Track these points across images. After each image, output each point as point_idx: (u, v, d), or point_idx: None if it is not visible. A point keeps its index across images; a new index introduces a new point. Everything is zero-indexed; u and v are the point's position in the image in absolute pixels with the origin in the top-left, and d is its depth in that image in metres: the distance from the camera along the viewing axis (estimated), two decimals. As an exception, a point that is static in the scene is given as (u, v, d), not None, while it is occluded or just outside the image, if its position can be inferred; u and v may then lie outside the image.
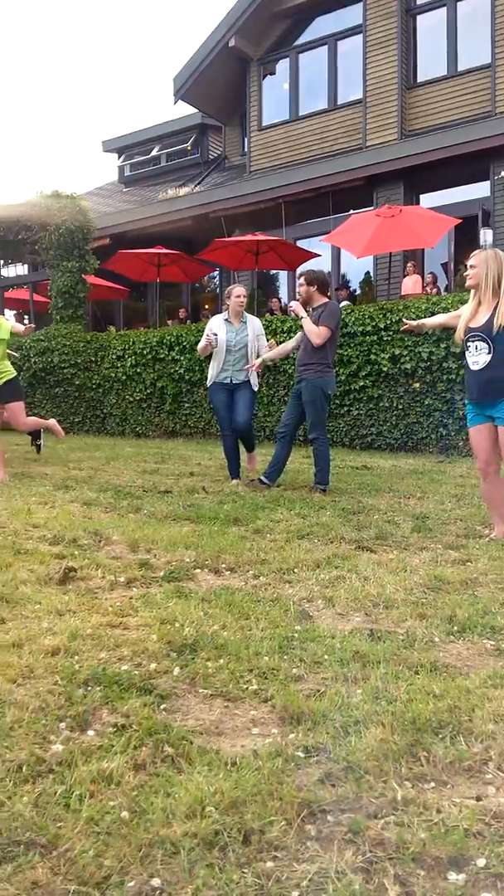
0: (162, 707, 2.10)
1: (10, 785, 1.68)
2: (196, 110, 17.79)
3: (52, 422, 7.70)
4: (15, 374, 6.82)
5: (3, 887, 1.37)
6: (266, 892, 1.39)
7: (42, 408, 12.91)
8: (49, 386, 12.92)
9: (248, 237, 12.74)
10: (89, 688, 2.18)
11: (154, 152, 19.94)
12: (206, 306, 17.35)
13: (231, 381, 6.54)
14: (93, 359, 12.68)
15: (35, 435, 8.75)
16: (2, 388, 6.64)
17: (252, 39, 15.38)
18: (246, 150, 16.68)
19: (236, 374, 6.53)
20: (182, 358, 11.46)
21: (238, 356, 6.52)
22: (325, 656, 2.47)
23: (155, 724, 1.97)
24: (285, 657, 2.47)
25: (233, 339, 6.51)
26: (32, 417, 7.50)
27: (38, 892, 1.37)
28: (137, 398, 12.16)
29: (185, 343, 11.39)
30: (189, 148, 19.04)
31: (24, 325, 6.92)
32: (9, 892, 1.36)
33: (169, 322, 15.64)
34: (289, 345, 6.75)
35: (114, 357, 12.37)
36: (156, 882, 1.40)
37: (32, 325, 7.14)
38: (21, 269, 16.76)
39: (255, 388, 6.65)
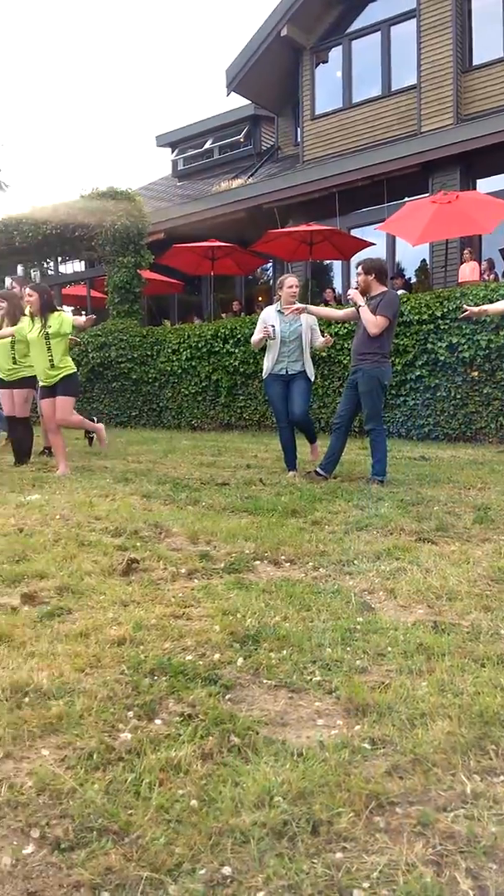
0: (227, 697, 2.12)
1: (81, 772, 1.72)
2: (249, 102, 17.75)
3: (100, 427, 7.69)
4: (75, 370, 6.88)
5: (78, 872, 1.40)
6: (336, 882, 1.39)
7: (100, 402, 13.10)
8: (107, 381, 13.08)
9: (302, 227, 12.68)
10: (155, 677, 2.22)
11: (207, 145, 19.98)
12: (260, 298, 17.33)
13: (286, 372, 6.50)
14: (149, 353, 12.79)
15: (49, 450, 8.38)
16: (59, 383, 6.72)
17: (304, 28, 15.27)
18: (299, 139, 16.58)
19: (291, 365, 6.49)
20: (236, 350, 11.48)
21: (293, 347, 6.47)
22: (389, 648, 2.46)
23: (221, 713, 1.98)
24: (348, 649, 2.46)
25: (286, 329, 6.46)
26: (79, 416, 7.42)
27: (112, 877, 1.39)
28: (192, 391, 12.23)
29: (239, 335, 11.40)
30: (242, 140, 19.02)
31: (85, 317, 6.97)
32: (84, 876, 1.39)
33: (223, 315, 15.67)
34: (338, 313, 6.70)
35: (169, 351, 12.46)
36: (227, 870, 1.41)
37: (93, 317, 7.19)
38: (78, 266, 17.03)
39: (311, 378, 6.59)
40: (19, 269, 14.20)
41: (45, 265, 15.18)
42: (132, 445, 9.47)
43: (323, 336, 6.64)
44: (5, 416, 7.73)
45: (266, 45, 15.47)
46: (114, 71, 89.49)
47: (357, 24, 15.29)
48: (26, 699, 2.06)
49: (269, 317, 6.56)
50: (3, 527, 4.31)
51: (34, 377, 7.49)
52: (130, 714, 2.00)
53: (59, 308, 6.96)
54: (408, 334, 9.47)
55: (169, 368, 12.47)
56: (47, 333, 6.60)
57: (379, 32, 14.89)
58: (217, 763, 1.78)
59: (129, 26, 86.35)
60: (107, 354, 12.95)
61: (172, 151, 21.05)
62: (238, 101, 18.28)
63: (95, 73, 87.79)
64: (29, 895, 1.35)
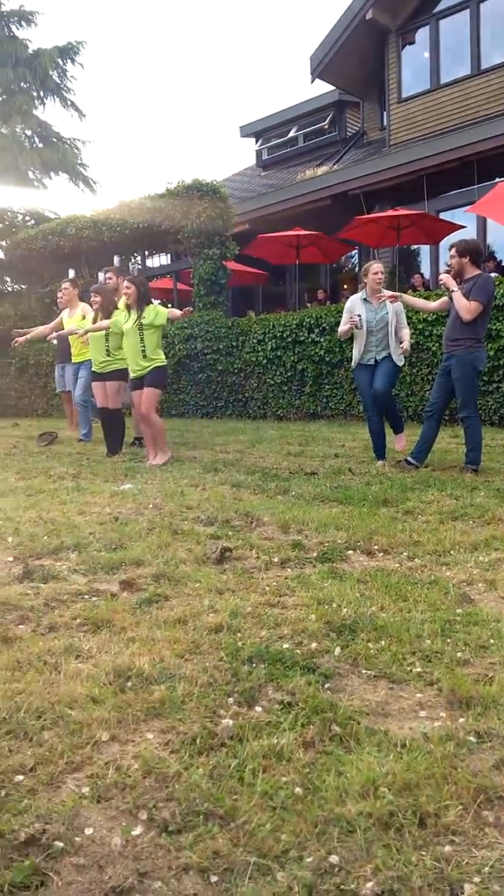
0: (326, 686, 2.10)
1: (185, 756, 1.74)
2: (333, 88, 17.55)
3: (167, 455, 7.01)
4: (165, 362, 6.96)
5: (186, 855, 1.42)
6: (446, 876, 1.36)
7: (186, 393, 13.24)
8: (193, 372, 13.21)
9: (389, 213, 12.46)
10: (254, 665, 2.22)
11: (291, 134, 19.87)
12: (345, 286, 17.15)
13: (375, 360, 6.40)
14: (234, 344, 12.85)
15: (140, 440, 8.32)
16: (148, 374, 6.82)
17: (390, 10, 14.95)
18: (385, 123, 16.29)
19: (379, 354, 6.38)
20: (322, 340, 11.40)
21: (380, 336, 6.33)
22: (492, 640, 2.39)
23: (321, 702, 1.97)
24: (448, 640, 2.41)
25: (373, 318, 6.33)
26: (158, 420, 7.13)
27: (219, 861, 1.40)
28: (278, 381, 12.22)
29: (324, 325, 11.32)
30: (326, 126, 18.83)
31: (182, 310, 7.02)
32: (192, 859, 1.40)
33: (308, 304, 15.59)
34: (431, 305, 6.54)
35: (254, 341, 12.48)
36: (334, 859, 1.40)
37: (190, 309, 7.23)
38: (163, 260, 17.24)
39: (399, 364, 6.42)
40: (116, 259, 14.47)
41: (133, 259, 15.42)
42: (219, 436, 9.54)
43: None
44: (98, 407, 7.91)
45: (351, 30, 15.23)
46: (198, 64, 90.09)
47: (444, 3, 14.86)
48: (129, 683, 2.10)
49: (354, 306, 6.44)
50: (99, 515, 4.42)
51: (126, 369, 7.63)
52: (231, 700, 2.01)
53: (154, 300, 7.04)
54: (501, 319, 9.19)
55: (254, 359, 12.49)
56: (141, 324, 6.72)
57: (468, 10, 14.44)
58: (319, 752, 1.77)
59: (213, 19, 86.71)
60: (193, 346, 13.08)
61: (256, 141, 21.02)
62: (322, 88, 18.09)
63: (180, 66, 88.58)
64: (139, 875, 1.37)
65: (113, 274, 8.43)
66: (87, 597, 2.92)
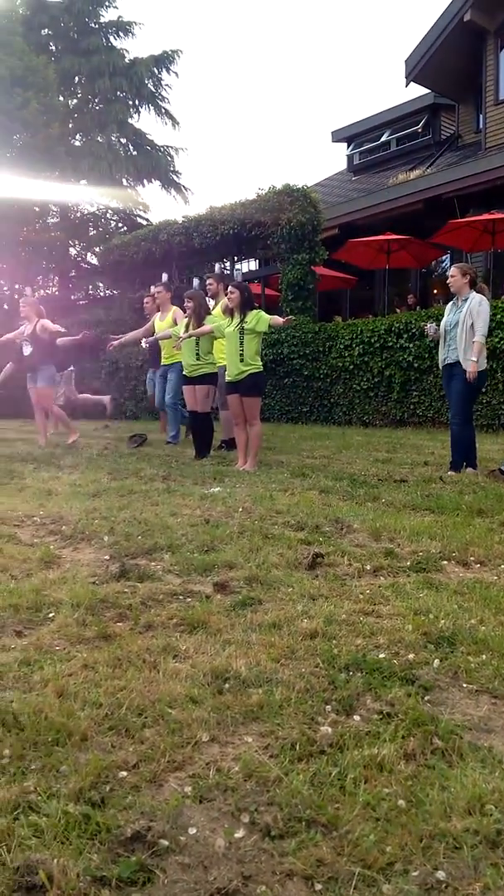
0: (426, 699, 2.06)
1: (285, 761, 1.73)
2: (428, 91, 17.33)
3: (251, 461, 6.92)
4: (261, 369, 6.96)
5: (290, 861, 1.41)
6: None
7: (271, 398, 13.28)
8: (279, 377, 13.24)
9: (484, 216, 12.21)
10: (350, 673, 2.20)
11: (384, 138, 19.71)
12: (435, 291, 16.89)
13: (448, 360, 6.44)
14: (321, 349, 12.82)
15: (229, 443, 8.36)
16: (244, 379, 6.86)
17: (488, 11, 14.65)
18: (481, 126, 15.97)
19: (451, 354, 6.39)
20: (411, 345, 11.25)
21: (452, 335, 6.38)
22: None
23: (421, 715, 1.94)
24: (553, 657, 2.33)
25: (451, 319, 6.43)
26: (260, 428, 7.09)
27: (323, 870, 1.39)
28: (364, 387, 12.13)
29: (413, 330, 11.17)
30: (420, 130, 18.59)
31: (284, 317, 7.02)
32: (296, 866, 1.39)
33: (397, 309, 15.43)
34: None
35: (341, 346, 12.42)
36: (440, 875, 1.37)
37: (293, 318, 7.25)
38: (251, 266, 17.38)
39: (472, 369, 6.20)
40: (217, 266, 14.69)
41: (222, 265, 15.58)
42: (305, 441, 9.53)
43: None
44: (188, 411, 8.01)
45: (447, 32, 15.01)
46: (290, 70, 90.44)
47: (545, 2, 14.49)
48: (227, 685, 2.11)
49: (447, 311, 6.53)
50: (190, 517, 4.47)
51: (215, 374, 7.71)
52: (329, 708, 1.99)
53: (257, 306, 7.10)
54: None
55: (341, 364, 12.44)
56: (243, 329, 6.78)
57: None
58: (421, 765, 1.73)
59: (306, 25, 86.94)
60: (279, 351, 13.11)
61: (348, 146, 20.95)
62: (416, 91, 17.89)
63: (273, 73, 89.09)
64: (244, 878, 1.37)
65: (214, 280, 8.53)
66: (181, 597, 2.96)
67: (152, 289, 9.92)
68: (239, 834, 1.49)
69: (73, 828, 1.47)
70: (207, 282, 8.71)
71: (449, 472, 6.26)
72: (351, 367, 12.26)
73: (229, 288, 7.01)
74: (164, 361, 9.54)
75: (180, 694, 2.04)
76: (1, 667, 2.21)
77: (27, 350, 8.72)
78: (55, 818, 1.49)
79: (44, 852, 1.39)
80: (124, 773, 1.67)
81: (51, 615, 2.72)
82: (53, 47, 24.92)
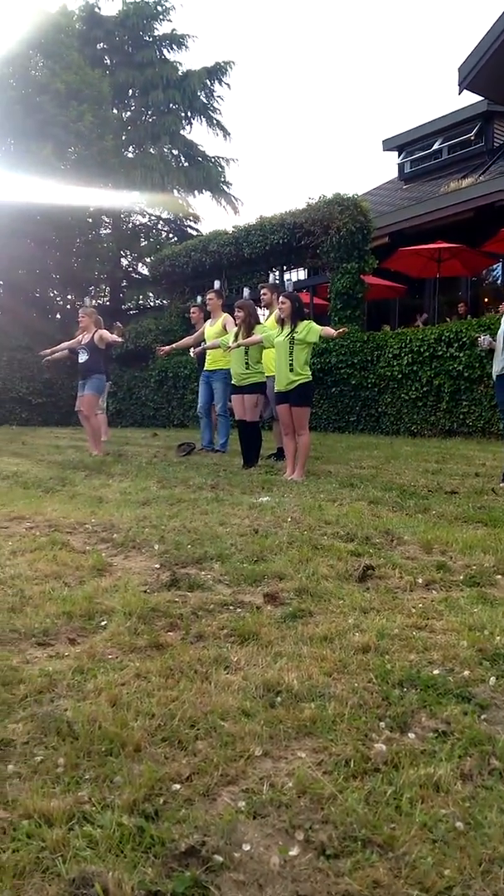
0: (482, 717, 2.02)
1: (339, 779, 1.71)
2: (481, 98, 17.14)
3: (299, 471, 6.89)
4: (311, 379, 6.93)
5: (346, 881, 1.39)
6: None
7: (318, 407, 13.23)
8: (326, 386, 13.20)
9: (537, 225, 12.03)
10: (405, 689, 2.17)
11: (435, 146, 19.56)
12: (486, 300, 16.67)
13: (502, 371, 6.40)
14: (369, 358, 12.75)
15: (276, 455, 8.45)
16: (294, 389, 6.83)
17: (543, 16, 14.45)
18: (534, 134, 15.75)
19: (499, 364, 6.38)
20: (461, 354, 11.12)
21: (502, 346, 6.37)
22: None
23: (478, 734, 1.89)
24: None
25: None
26: (309, 439, 7.04)
27: (380, 891, 1.37)
28: (413, 397, 12.01)
29: (464, 339, 11.03)
30: (472, 138, 18.40)
31: (337, 329, 6.99)
32: (352, 887, 1.37)
33: (447, 318, 15.26)
34: None
35: (390, 356, 12.33)
36: (501, 902, 1.33)
37: (345, 329, 7.21)
38: (300, 275, 17.36)
39: None
40: (272, 276, 14.74)
41: (274, 274, 15.61)
42: (352, 451, 9.47)
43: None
44: (236, 420, 8.03)
45: (502, 40, 14.82)
46: (340, 80, 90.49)
47: None
48: (279, 699, 2.09)
49: None
50: (239, 527, 4.47)
51: (264, 383, 7.71)
52: (382, 725, 1.96)
53: (309, 317, 7.09)
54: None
55: (389, 373, 12.34)
56: (293, 339, 6.76)
57: None
58: (479, 786, 1.70)
59: (356, 34, 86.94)
60: (327, 360, 13.07)
61: (399, 154, 20.84)
62: (468, 99, 17.71)
63: (323, 83, 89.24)
64: (299, 897, 1.35)
65: (268, 290, 8.55)
66: (232, 608, 2.95)
67: (198, 299, 9.97)
68: (294, 852, 1.47)
69: (128, 840, 1.47)
70: (261, 292, 8.73)
71: (501, 484, 6.15)
72: (399, 376, 12.16)
73: (280, 298, 7.02)
74: (206, 367, 9.57)
75: (232, 706, 2.03)
76: (55, 674, 2.23)
77: (83, 357, 8.86)
78: (109, 830, 1.49)
79: (99, 864, 1.39)
80: (178, 786, 1.67)
81: (103, 623, 2.74)
82: (108, 61, 25.37)
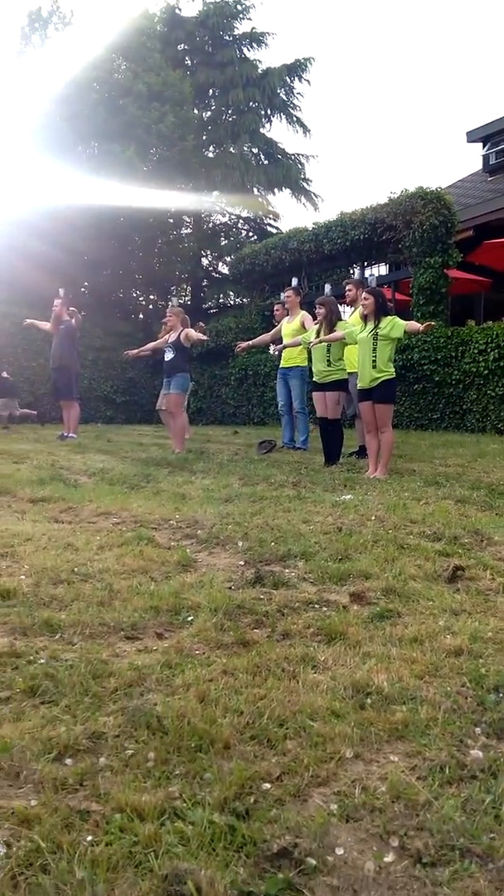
0: None
1: (434, 785, 1.66)
2: None
3: (382, 469, 6.79)
4: (394, 376, 6.80)
5: (444, 892, 1.34)
6: None
7: (400, 404, 13.01)
8: (408, 383, 12.97)
9: None
10: (500, 694, 2.09)
11: (522, 136, 18.99)
12: None
13: None
14: (453, 354, 12.46)
15: (358, 452, 8.40)
16: (377, 386, 6.73)
17: None
18: None
19: None
20: (551, 350, 10.75)
21: None
22: None
23: None
24: None
25: None
26: (392, 436, 6.90)
27: (481, 904, 1.31)
28: (500, 393, 11.67)
29: None
30: None
31: (423, 323, 6.86)
32: (452, 898, 1.32)
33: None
34: None
35: (475, 351, 12.02)
36: None
37: (432, 324, 7.07)
38: (381, 270, 17.15)
39: None
40: (356, 272, 14.64)
41: (351, 270, 15.46)
42: (437, 448, 9.28)
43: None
44: (318, 418, 7.98)
45: None
46: (421, 70, 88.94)
47: None
48: (368, 700, 2.05)
49: None
50: (322, 525, 4.43)
51: (345, 380, 7.64)
52: (478, 731, 1.90)
53: (392, 312, 6.96)
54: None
55: (474, 369, 12.04)
56: (377, 335, 6.67)
57: None
58: None
59: (436, 25, 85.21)
60: (409, 357, 12.85)
61: (483, 146, 20.32)
62: None
63: (403, 74, 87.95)
64: (395, 906, 1.31)
65: (353, 286, 8.46)
66: (317, 606, 2.92)
67: (283, 295, 9.93)
68: (388, 858, 1.43)
69: (219, 838, 1.46)
70: (346, 288, 8.64)
71: None
72: (486, 372, 11.84)
73: (363, 294, 6.92)
74: (282, 365, 9.53)
75: (321, 706, 2.00)
76: (144, 668, 2.25)
77: (168, 356, 8.95)
78: (201, 827, 1.48)
79: (191, 862, 1.38)
80: (268, 786, 1.65)
81: (189, 619, 2.75)
82: (189, 61, 25.62)
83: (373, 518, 4.62)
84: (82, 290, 20.48)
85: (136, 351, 10.04)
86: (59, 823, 1.48)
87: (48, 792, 1.60)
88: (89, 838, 1.44)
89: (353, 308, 8.49)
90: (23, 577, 3.25)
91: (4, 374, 14.87)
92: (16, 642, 2.45)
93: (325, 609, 2.88)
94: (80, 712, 1.97)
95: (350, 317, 8.11)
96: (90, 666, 2.25)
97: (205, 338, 8.97)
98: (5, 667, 2.26)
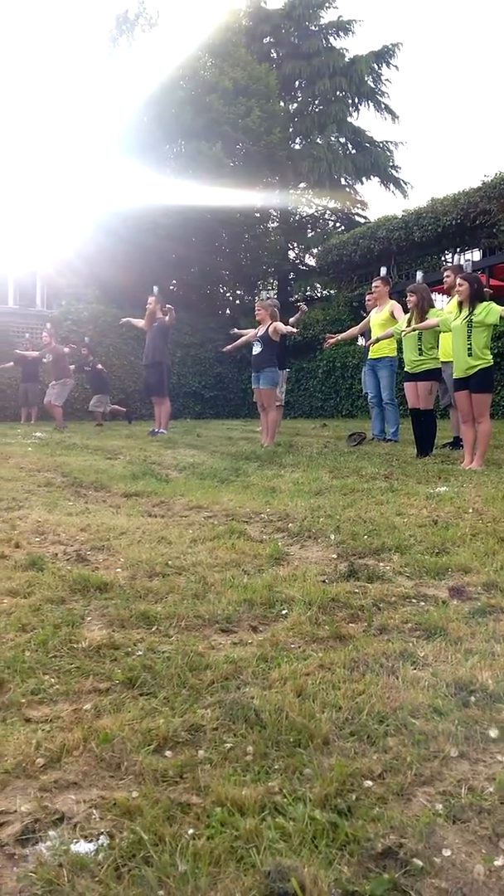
0: None
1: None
2: None
3: (479, 460, 6.58)
4: (491, 363, 6.58)
5: None
6: None
7: (497, 393, 12.65)
8: (504, 371, 12.59)
9: None
10: None
11: None
12: None
13: None
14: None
15: (452, 443, 8.32)
16: (473, 375, 6.54)
17: None
18: None
19: None
20: None
21: None
22: None
23: None
24: None
25: None
26: (489, 426, 6.71)
27: None
28: None
29: None
30: None
31: None
32: None
33: None
34: None
35: None
36: None
37: None
38: (474, 255, 16.69)
39: None
40: (455, 258, 14.38)
41: (443, 257, 15.12)
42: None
43: None
44: (409, 409, 7.83)
45: None
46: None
47: None
48: (472, 698, 1.97)
49: None
50: (417, 517, 4.33)
51: (438, 369, 7.46)
52: None
53: (487, 298, 6.75)
54: None
55: None
56: (471, 321, 6.49)
57: None
58: None
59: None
60: (506, 344, 12.48)
61: None
62: None
63: (496, 52, 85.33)
64: (507, 914, 1.25)
65: (451, 272, 8.25)
66: (414, 601, 2.85)
67: (374, 283, 9.76)
68: (499, 862, 1.37)
69: (321, 836, 1.43)
70: (444, 274, 8.44)
71: None
72: None
73: (457, 280, 6.74)
74: (371, 356, 9.38)
75: (422, 703, 1.94)
76: (240, 661, 2.24)
77: (256, 350, 8.96)
78: (302, 823, 1.46)
79: (293, 858, 1.36)
80: (370, 783, 1.60)
81: (284, 612, 2.72)
82: (275, 54, 25.60)
83: (470, 511, 4.49)
84: (171, 287, 20.76)
85: (230, 347, 10.11)
86: (160, 816, 1.48)
87: (149, 783, 1.60)
88: (191, 831, 1.44)
89: (449, 295, 8.27)
90: (119, 570, 3.30)
91: (99, 366, 15.11)
92: (114, 634, 2.49)
93: (422, 604, 2.81)
94: (178, 704, 1.97)
95: (448, 304, 7.91)
96: (187, 658, 2.26)
97: (294, 330, 8.91)
98: (104, 658, 2.30)
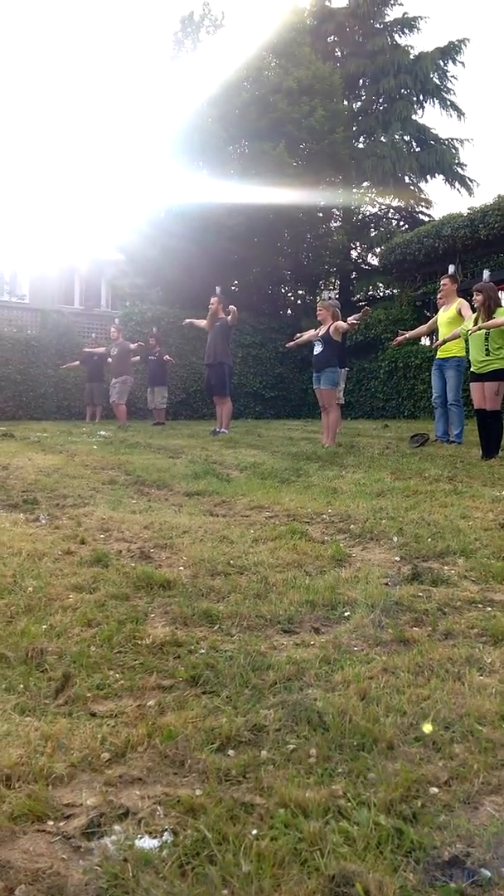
0: None
1: None
2: None
3: None
4: None
5: None
6: None
7: None
8: None
9: None
10: None
11: None
12: None
13: None
14: None
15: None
16: None
17: None
18: None
19: None
20: None
21: None
22: None
23: None
24: None
25: None
26: None
27: None
28: None
29: None
30: None
31: None
32: None
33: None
34: None
35: None
36: None
37: None
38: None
39: None
40: (485, 274, 14.10)
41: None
42: None
43: None
44: (475, 409, 7.69)
45: None
46: None
47: None
48: (543, 707, 1.93)
49: None
50: (482, 521, 4.25)
51: (505, 369, 7.32)
52: None
53: None
54: None
55: None
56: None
57: None
58: None
59: None
60: None
61: None
62: None
63: None
64: None
65: None
66: (481, 606, 2.79)
67: (442, 280, 9.62)
68: None
69: (386, 841, 1.41)
70: (487, 277, 8.29)
71: None
72: None
73: None
74: (438, 355, 9.24)
75: (490, 710, 1.90)
76: (303, 663, 2.23)
77: (317, 349, 8.92)
78: (366, 828, 1.44)
79: (358, 863, 1.34)
80: (435, 790, 1.58)
81: (346, 614, 2.70)
82: (339, 52, 25.45)
83: (537, 515, 4.38)
84: (233, 287, 20.84)
85: (293, 342, 10.08)
86: (224, 815, 1.48)
87: (212, 782, 1.61)
88: (254, 832, 1.44)
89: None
90: (181, 568, 3.33)
91: (166, 357, 14.94)
92: (177, 632, 2.51)
93: (489, 609, 2.75)
94: (240, 704, 1.97)
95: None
96: (249, 658, 2.26)
97: (355, 322, 8.80)
98: (167, 655, 2.32)
